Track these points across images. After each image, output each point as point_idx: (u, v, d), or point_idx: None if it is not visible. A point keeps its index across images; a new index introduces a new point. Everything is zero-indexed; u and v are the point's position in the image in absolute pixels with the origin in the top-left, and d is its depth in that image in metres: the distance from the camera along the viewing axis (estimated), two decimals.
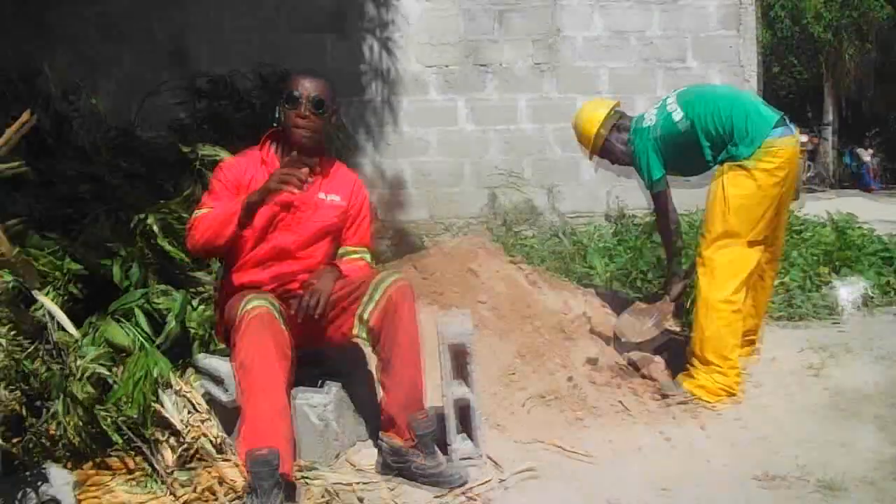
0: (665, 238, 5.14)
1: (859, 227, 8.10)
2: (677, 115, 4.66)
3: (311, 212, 3.78)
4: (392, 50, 9.13)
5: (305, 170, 3.40)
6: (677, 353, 4.94)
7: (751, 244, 4.44)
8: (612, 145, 5.05)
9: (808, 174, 21.20)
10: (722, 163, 4.50)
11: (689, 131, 4.60)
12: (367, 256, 4.00)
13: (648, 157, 4.78)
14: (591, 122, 5.08)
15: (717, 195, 4.45)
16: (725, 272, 4.41)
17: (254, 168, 3.76)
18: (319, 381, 3.89)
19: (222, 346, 3.93)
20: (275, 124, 3.78)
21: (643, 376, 4.79)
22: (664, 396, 4.46)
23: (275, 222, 3.73)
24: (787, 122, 4.48)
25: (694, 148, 4.62)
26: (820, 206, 9.82)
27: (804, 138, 5.52)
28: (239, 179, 3.73)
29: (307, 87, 3.66)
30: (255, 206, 3.45)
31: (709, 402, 4.37)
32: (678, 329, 5.39)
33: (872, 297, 6.34)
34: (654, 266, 6.38)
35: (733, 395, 4.41)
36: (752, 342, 4.95)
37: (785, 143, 4.39)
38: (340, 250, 3.94)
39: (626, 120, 5.05)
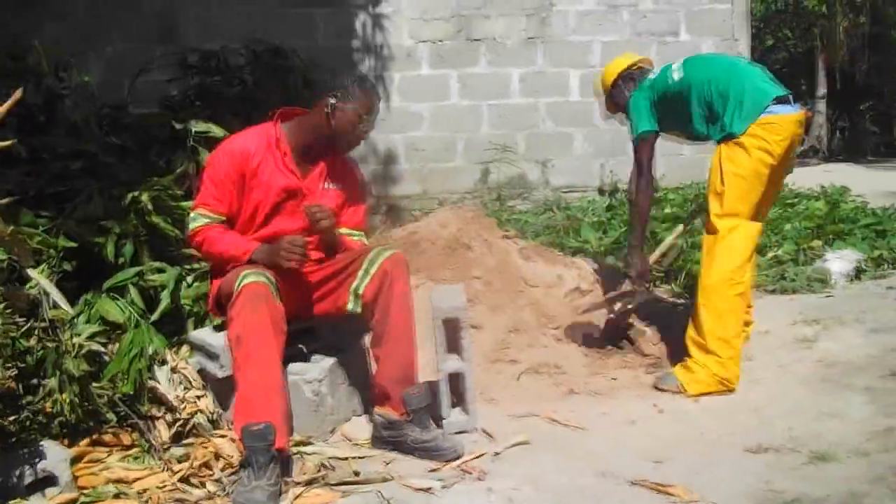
0: (635, 201, 4.75)
1: (852, 200, 8.13)
2: (676, 76, 4.52)
3: (314, 201, 3.76)
4: (383, 25, 9.12)
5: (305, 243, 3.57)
6: (670, 323, 4.96)
7: (749, 221, 4.27)
8: (619, 95, 4.90)
9: (802, 147, 21.16)
10: (719, 143, 4.30)
11: (684, 93, 4.44)
12: (364, 238, 4.02)
13: (641, 109, 4.63)
14: (611, 71, 4.95)
15: (714, 174, 4.28)
16: (725, 253, 4.22)
17: (263, 149, 3.71)
18: (310, 356, 3.90)
19: (216, 321, 3.93)
20: (326, 111, 3.69)
21: (635, 350, 4.81)
22: (660, 390, 4.28)
23: (279, 208, 3.74)
24: (791, 100, 4.29)
25: (685, 113, 4.46)
26: (813, 178, 9.84)
27: None
28: (241, 166, 3.68)
29: (375, 109, 3.74)
30: (258, 262, 3.58)
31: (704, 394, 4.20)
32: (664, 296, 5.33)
33: (865, 270, 6.36)
34: (648, 240, 6.38)
35: (731, 389, 4.21)
36: (747, 323, 4.72)
37: (783, 120, 4.19)
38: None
39: (643, 75, 4.85)
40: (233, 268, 3.61)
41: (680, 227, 5.09)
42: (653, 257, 5.00)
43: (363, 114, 3.69)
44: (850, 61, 24.54)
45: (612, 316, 4.89)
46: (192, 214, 3.77)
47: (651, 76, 4.74)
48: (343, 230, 3.93)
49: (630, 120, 4.72)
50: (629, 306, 4.87)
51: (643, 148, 4.65)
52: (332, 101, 3.67)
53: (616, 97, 4.95)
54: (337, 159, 3.89)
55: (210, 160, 3.84)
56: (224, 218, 3.73)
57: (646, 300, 4.94)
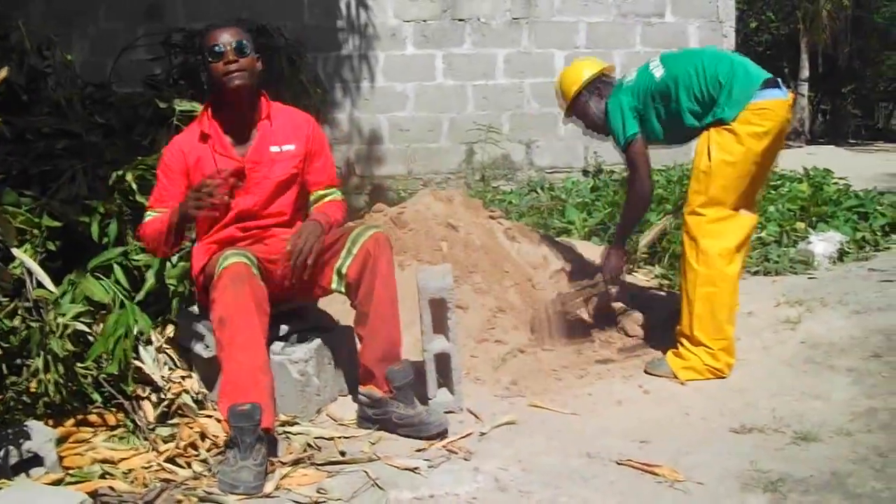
0: (632, 201, 4.60)
1: (835, 183, 8.16)
2: (658, 72, 4.36)
3: (267, 168, 3.73)
4: (369, 4, 9.11)
5: (218, 180, 3.41)
6: (653, 304, 4.98)
7: (737, 209, 4.17)
8: (588, 110, 4.70)
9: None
10: (708, 127, 4.18)
11: (672, 89, 4.28)
12: (338, 194, 3.99)
13: (623, 113, 4.43)
14: (574, 82, 4.73)
15: (702, 160, 4.15)
16: (714, 243, 4.12)
17: (195, 147, 3.70)
18: (293, 338, 3.89)
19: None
20: (205, 87, 3.72)
21: (621, 330, 4.83)
22: (649, 374, 4.28)
23: (232, 192, 3.68)
24: (780, 84, 4.20)
25: (674, 110, 4.31)
26: (796, 161, 9.87)
27: None
28: (182, 164, 3.69)
29: (225, 37, 3.58)
30: (179, 226, 3.55)
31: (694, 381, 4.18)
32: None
33: (848, 252, 6.40)
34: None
35: (723, 377, 4.18)
36: None
37: (774, 105, 4.10)
38: (312, 196, 3.93)
39: (609, 87, 4.67)
40: (174, 242, 3.62)
41: (669, 218, 5.09)
42: (642, 242, 5.04)
43: (215, 50, 3.58)
44: (832, 45, 24.62)
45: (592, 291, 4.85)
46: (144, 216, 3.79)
47: (628, 80, 4.55)
48: (318, 193, 3.93)
49: (612, 127, 4.51)
50: (588, 298, 4.85)
51: (636, 150, 4.45)
52: (202, 74, 3.70)
53: (577, 109, 4.78)
54: (285, 118, 3.84)
55: (158, 163, 3.83)
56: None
57: (608, 299, 4.89)
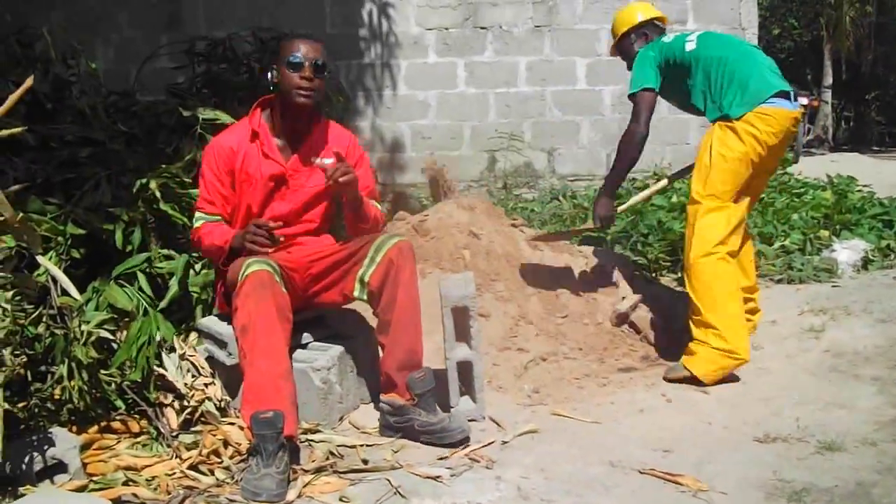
0: (624, 147, 4.65)
1: (859, 190, 8.11)
2: (689, 46, 4.52)
3: (305, 178, 3.79)
4: (390, 13, 9.12)
5: (269, 233, 3.52)
6: (676, 313, 4.96)
7: (734, 202, 4.30)
8: (631, 50, 4.88)
9: (808, 137, 21.12)
10: (714, 121, 4.38)
11: (692, 65, 4.48)
12: (378, 206, 4.02)
13: (647, 65, 4.62)
14: (625, 22, 4.95)
15: (704, 153, 4.34)
16: (707, 232, 4.25)
17: (244, 144, 3.76)
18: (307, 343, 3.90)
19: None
20: (271, 88, 3.76)
21: (644, 339, 4.82)
22: (667, 380, 4.28)
23: (271, 196, 3.76)
24: (792, 98, 4.33)
25: (688, 84, 4.52)
26: (820, 168, 9.82)
27: (804, 100, 5.47)
28: (228, 163, 3.75)
29: (309, 51, 3.64)
30: (235, 252, 3.62)
31: (710, 379, 4.17)
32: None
33: (872, 260, 6.35)
34: (655, 229, 6.38)
35: (740, 360, 4.17)
36: (753, 311, 4.77)
37: (779, 113, 4.24)
38: None
39: (656, 34, 4.87)
40: (225, 260, 3.66)
41: (664, 182, 5.16)
42: (624, 206, 5.22)
43: (292, 60, 3.64)
44: (856, 51, 24.52)
45: (620, 309, 4.89)
46: (194, 216, 3.84)
47: (666, 39, 4.72)
48: None
49: (633, 73, 4.70)
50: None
51: (642, 102, 4.59)
52: (270, 73, 3.73)
53: (623, 47, 4.98)
54: (329, 133, 3.89)
55: (202, 160, 3.89)
56: (219, 217, 3.80)
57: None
